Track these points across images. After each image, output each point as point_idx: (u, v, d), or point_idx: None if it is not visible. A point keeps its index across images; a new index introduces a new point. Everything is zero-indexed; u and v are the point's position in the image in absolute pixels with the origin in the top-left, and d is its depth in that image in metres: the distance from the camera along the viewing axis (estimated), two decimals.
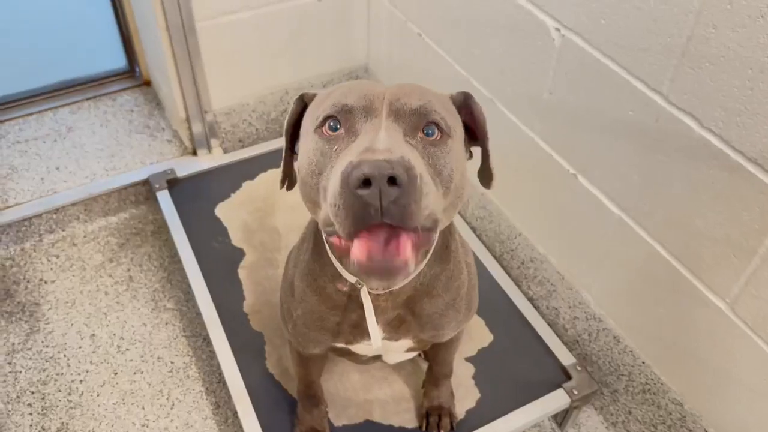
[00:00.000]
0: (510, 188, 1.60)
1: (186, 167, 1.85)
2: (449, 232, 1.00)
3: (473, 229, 1.79)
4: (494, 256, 1.72)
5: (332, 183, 0.72)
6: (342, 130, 0.78)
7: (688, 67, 1.03)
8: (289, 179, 0.95)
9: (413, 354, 1.24)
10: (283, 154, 0.92)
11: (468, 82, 1.59)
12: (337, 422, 1.36)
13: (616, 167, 1.25)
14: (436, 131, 0.78)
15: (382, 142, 0.72)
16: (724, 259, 1.09)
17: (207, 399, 1.55)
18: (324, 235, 0.94)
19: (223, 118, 1.90)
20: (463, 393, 1.41)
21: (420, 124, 0.78)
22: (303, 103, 0.89)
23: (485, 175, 0.93)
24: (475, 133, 0.91)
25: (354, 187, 0.67)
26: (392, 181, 0.66)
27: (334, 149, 0.77)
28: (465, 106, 0.90)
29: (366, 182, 0.66)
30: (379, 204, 0.67)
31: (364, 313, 0.99)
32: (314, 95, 0.88)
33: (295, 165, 0.88)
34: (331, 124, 0.78)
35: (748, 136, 0.98)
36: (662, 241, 1.21)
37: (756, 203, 1.00)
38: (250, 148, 1.95)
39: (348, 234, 0.71)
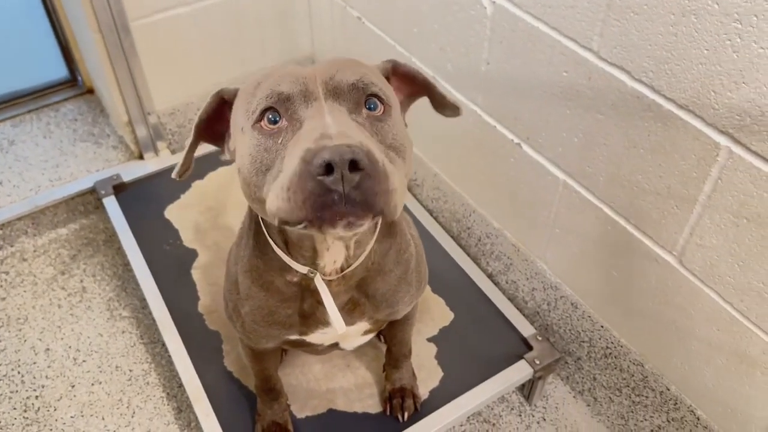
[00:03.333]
0: (460, 166, 1.58)
1: (133, 172, 1.81)
2: None
3: (430, 212, 1.77)
4: (452, 236, 1.70)
5: (287, 169, 0.69)
6: (283, 121, 0.74)
7: (614, 20, 1.02)
8: (186, 170, 0.91)
9: (370, 336, 1.21)
10: (188, 145, 0.87)
11: (410, 61, 1.57)
12: (300, 414, 1.34)
13: (557, 132, 1.24)
14: (379, 104, 0.77)
15: (333, 127, 0.70)
16: (667, 211, 1.09)
17: (168, 404, 1.51)
18: (265, 229, 0.92)
19: (167, 119, 1.86)
20: (427, 373, 1.39)
21: (361, 99, 0.76)
22: (220, 99, 0.85)
23: (449, 108, 0.92)
24: (413, 92, 0.91)
25: (316, 174, 0.65)
26: (353, 165, 0.65)
27: (279, 142, 0.74)
28: (394, 73, 0.88)
29: (328, 168, 0.65)
30: (342, 190, 0.66)
31: (316, 302, 0.96)
32: (235, 90, 0.84)
33: (234, 166, 0.83)
34: (270, 116, 0.75)
35: (677, 83, 0.97)
36: (608, 201, 1.20)
37: (692, 150, 1.00)
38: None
39: (302, 219, 0.68)
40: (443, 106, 0.92)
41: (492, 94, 1.37)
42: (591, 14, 1.06)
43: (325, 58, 0.82)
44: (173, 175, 0.90)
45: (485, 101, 1.39)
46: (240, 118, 0.80)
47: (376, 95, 0.76)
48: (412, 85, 0.90)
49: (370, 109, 0.76)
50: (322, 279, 0.92)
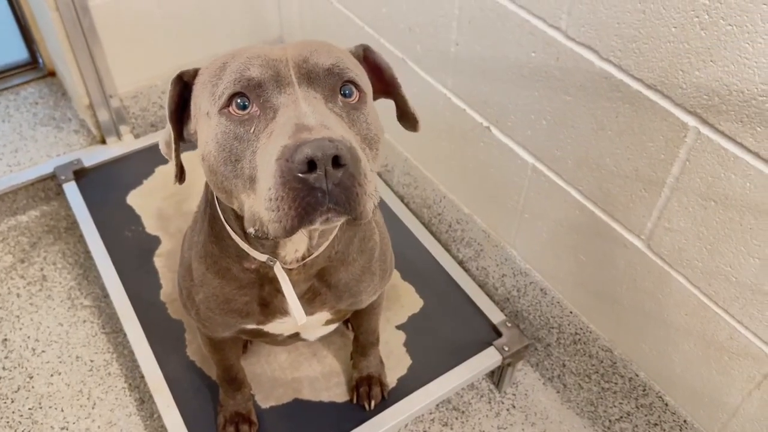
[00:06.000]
0: (430, 150, 1.55)
1: (94, 156, 1.75)
2: None
3: (401, 198, 1.74)
4: (423, 223, 1.67)
5: (265, 175, 0.65)
6: (254, 107, 0.70)
7: None
8: (182, 171, 0.84)
9: (333, 327, 1.18)
10: (173, 145, 0.80)
11: (379, 43, 1.53)
12: (265, 404, 1.30)
13: (526, 114, 1.21)
14: (354, 91, 0.73)
15: (311, 117, 0.66)
16: (635, 194, 1.07)
17: (131, 395, 1.47)
18: (221, 215, 0.87)
19: (130, 102, 1.80)
20: (395, 361, 1.37)
21: (337, 85, 0.72)
22: (182, 83, 0.80)
23: (408, 120, 0.88)
24: (379, 86, 0.86)
25: (298, 171, 0.62)
26: (336, 161, 0.62)
27: (251, 131, 0.69)
28: (365, 59, 0.85)
29: (310, 165, 0.61)
30: (326, 186, 0.62)
31: (274, 290, 0.93)
32: (195, 71, 0.79)
33: (197, 153, 0.77)
34: (239, 101, 0.70)
35: (645, 62, 0.95)
36: (576, 185, 1.18)
37: (659, 132, 0.98)
38: (162, 131, 1.86)
39: (288, 230, 0.65)
40: (405, 114, 0.88)
41: (461, 76, 1.34)
42: None
43: (295, 40, 0.77)
44: (174, 183, 0.83)
45: (454, 83, 1.36)
46: (204, 102, 0.75)
47: (352, 81, 0.73)
48: (379, 79, 0.86)
49: (345, 95, 0.73)
50: (282, 267, 0.89)
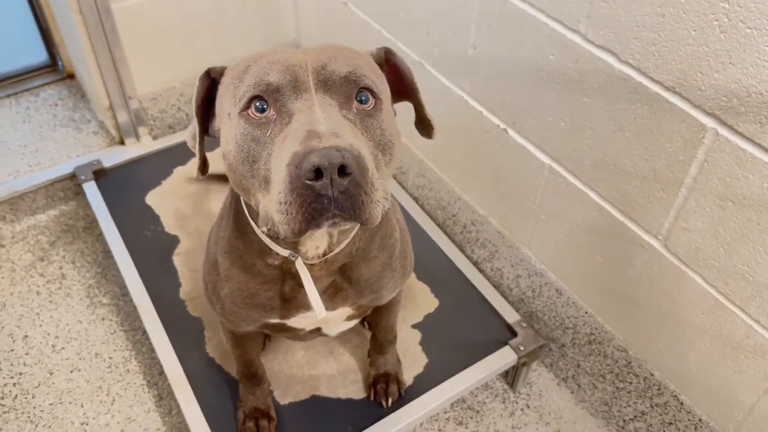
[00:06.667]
0: (446, 153, 1.57)
1: (113, 157, 1.78)
2: None
3: (415, 199, 1.76)
4: (437, 224, 1.69)
5: (277, 179, 0.68)
6: (271, 111, 0.73)
7: (602, 1, 1.02)
8: (205, 164, 0.87)
9: (354, 322, 1.20)
10: (197, 138, 0.84)
11: (397, 47, 1.56)
12: (283, 400, 1.32)
13: (543, 116, 1.23)
14: (370, 98, 0.75)
15: (323, 125, 0.68)
16: (653, 195, 1.08)
17: (149, 392, 1.49)
18: (246, 210, 0.90)
19: (149, 104, 1.83)
20: (411, 360, 1.38)
21: (352, 92, 0.74)
22: (210, 79, 0.83)
23: (424, 127, 0.90)
24: (399, 89, 0.88)
25: (305, 179, 0.65)
26: (342, 170, 0.65)
27: (268, 134, 0.72)
28: (387, 62, 0.87)
29: (317, 173, 0.64)
30: (331, 194, 0.65)
31: (297, 285, 0.95)
32: (223, 69, 0.82)
33: (219, 150, 0.81)
34: (258, 105, 0.73)
35: (664, 65, 0.97)
36: (593, 186, 1.19)
37: (678, 133, 0.99)
38: (180, 133, 1.89)
39: (296, 233, 0.68)
40: (422, 120, 0.89)
41: (478, 79, 1.36)
42: None
43: (317, 44, 0.79)
44: (195, 175, 0.88)
45: (472, 86, 1.38)
46: (227, 103, 0.78)
47: (368, 88, 0.75)
48: (400, 81, 0.88)
49: (361, 101, 0.75)
50: (304, 263, 0.91)
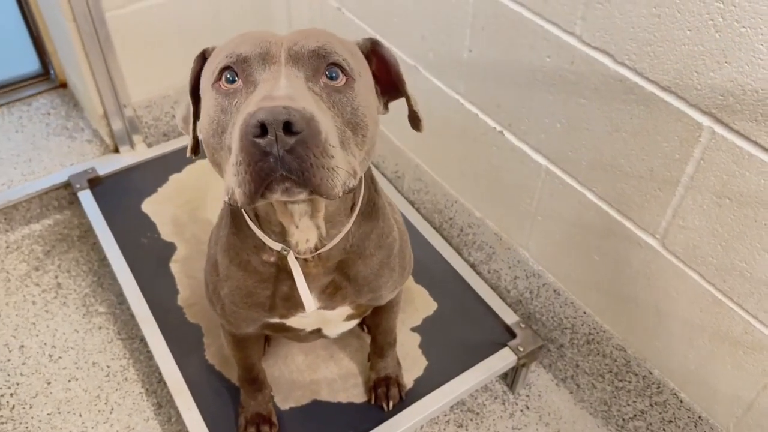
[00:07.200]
0: (441, 155, 1.58)
1: (108, 165, 1.78)
2: (374, 189, 0.98)
3: (411, 203, 1.77)
4: (434, 227, 1.70)
5: (234, 139, 0.68)
6: (239, 82, 0.73)
7: (597, 3, 1.03)
8: (196, 145, 0.88)
9: (354, 323, 1.20)
10: (191, 118, 0.85)
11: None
12: (284, 406, 1.32)
13: (540, 118, 1.24)
14: (340, 74, 0.74)
15: (282, 89, 0.68)
16: (650, 194, 1.09)
17: (148, 400, 1.48)
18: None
19: (143, 111, 1.83)
20: (411, 363, 1.39)
21: (321, 66, 0.74)
22: (203, 60, 0.83)
23: (413, 120, 0.90)
24: (389, 82, 0.88)
25: (252, 135, 0.64)
26: (288, 128, 0.64)
27: (234, 103, 0.72)
28: (374, 53, 0.87)
29: (263, 130, 0.63)
30: (277, 152, 0.64)
31: (294, 283, 0.95)
32: (213, 48, 0.83)
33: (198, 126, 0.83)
34: (228, 75, 0.73)
35: (660, 65, 0.98)
36: (590, 186, 1.20)
37: (674, 132, 1.01)
38: (175, 140, 1.89)
39: (249, 196, 0.67)
40: (411, 113, 0.89)
41: (474, 82, 1.37)
42: None
43: (300, 28, 0.79)
44: (188, 154, 0.88)
45: (467, 89, 1.39)
46: (205, 78, 0.79)
47: (337, 64, 0.74)
48: (387, 73, 0.87)
49: (330, 78, 0.74)
50: (296, 258, 0.91)
